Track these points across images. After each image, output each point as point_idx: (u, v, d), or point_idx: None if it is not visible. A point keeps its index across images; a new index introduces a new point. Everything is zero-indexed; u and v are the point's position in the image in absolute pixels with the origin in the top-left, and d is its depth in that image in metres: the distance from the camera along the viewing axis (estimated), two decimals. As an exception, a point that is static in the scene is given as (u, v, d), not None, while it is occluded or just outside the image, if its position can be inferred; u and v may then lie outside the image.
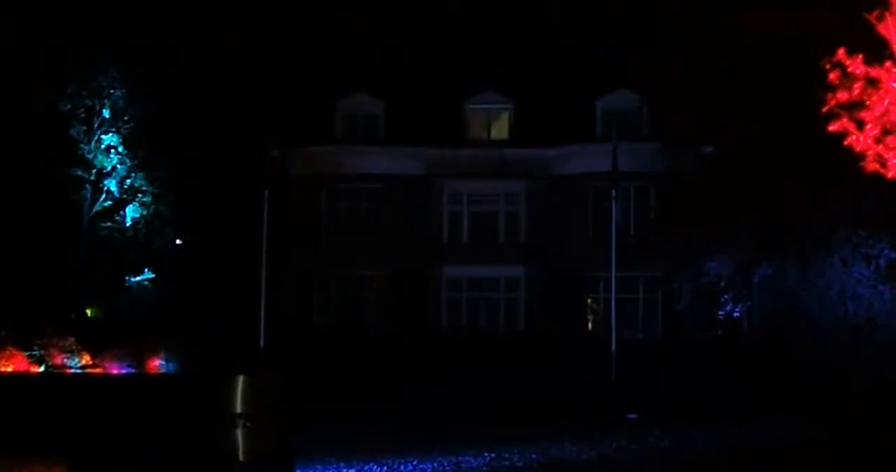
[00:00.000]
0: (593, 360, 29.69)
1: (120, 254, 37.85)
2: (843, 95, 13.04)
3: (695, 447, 19.44)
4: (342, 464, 17.88)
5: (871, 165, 13.15)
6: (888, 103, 12.83)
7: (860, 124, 12.97)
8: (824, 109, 13.21)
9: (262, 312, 31.56)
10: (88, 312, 37.36)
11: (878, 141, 12.99)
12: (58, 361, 31.32)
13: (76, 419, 15.43)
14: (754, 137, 29.53)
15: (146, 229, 38.19)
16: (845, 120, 13.05)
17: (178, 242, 39.59)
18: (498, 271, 40.89)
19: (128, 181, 38.01)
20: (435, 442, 19.81)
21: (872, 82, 12.88)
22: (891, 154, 12.95)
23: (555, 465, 17.89)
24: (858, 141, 12.97)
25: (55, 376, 29.59)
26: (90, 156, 37.54)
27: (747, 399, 25.20)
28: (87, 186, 37.62)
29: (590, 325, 40.32)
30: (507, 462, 18.08)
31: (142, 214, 38.04)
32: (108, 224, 37.86)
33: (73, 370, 31.00)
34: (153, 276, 38.24)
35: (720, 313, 33.21)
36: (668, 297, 36.99)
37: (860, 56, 12.90)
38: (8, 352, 30.66)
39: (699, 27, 31.23)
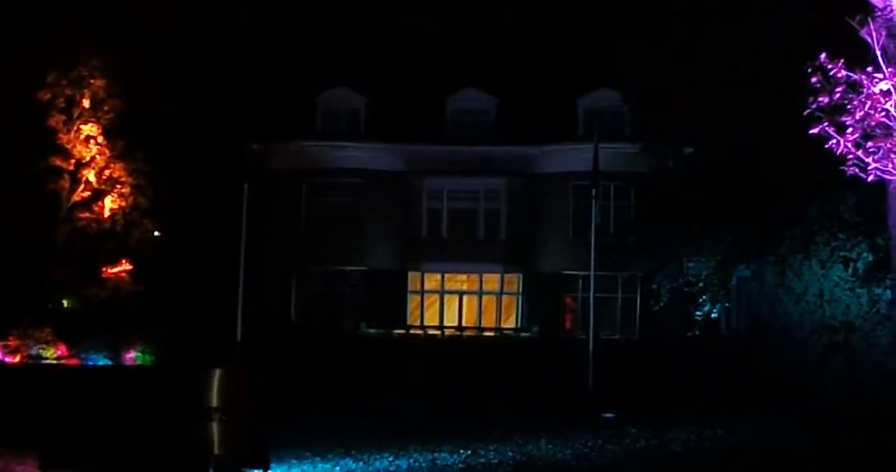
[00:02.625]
0: (571, 358, 29.74)
1: (97, 245, 37.63)
2: (824, 99, 13.05)
3: (671, 447, 19.48)
4: (318, 459, 17.85)
5: (851, 170, 13.17)
6: (868, 107, 12.86)
7: (841, 128, 12.98)
8: (805, 113, 13.22)
9: (240, 305, 31.47)
10: (65, 303, 37.10)
11: (857, 145, 13.01)
12: (33, 351, 31.13)
13: (49, 409, 15.34)
14: (734, 140, 29.63)
15: (124, 221, 37.99)
16: (826, 124, 13.06)
17: (156, 234, 39.39)
18: (477, 268, 40.87)
19: (107, 172, 37.79)
20: (411, 439, 19.79)
21: (853, 87, 12.91)
22: (870, 158, 12.96)
23: (530, 463, 17.91)
24: (839, 145, 12.98)
25: (29, 367, 29.43)
26: (69, 146, 37.31)
27: (724, 401, 25.28)
28: (66, 176, 37.39)
29: (568, 324, 40.39)
30: (482, 459, 18.08)
31: (120, 206, 37.82)
32: (87, 215, 37.63)
33: (48, 361, 30.81)
34: (130, 268, 38.02)
35: (698, 314, 33.29)
36: (646, 297, 37.06)
37: (842, 60, 12.91)
38: (-18, 342, 30.50)
39: (681, 31, 31.28)
